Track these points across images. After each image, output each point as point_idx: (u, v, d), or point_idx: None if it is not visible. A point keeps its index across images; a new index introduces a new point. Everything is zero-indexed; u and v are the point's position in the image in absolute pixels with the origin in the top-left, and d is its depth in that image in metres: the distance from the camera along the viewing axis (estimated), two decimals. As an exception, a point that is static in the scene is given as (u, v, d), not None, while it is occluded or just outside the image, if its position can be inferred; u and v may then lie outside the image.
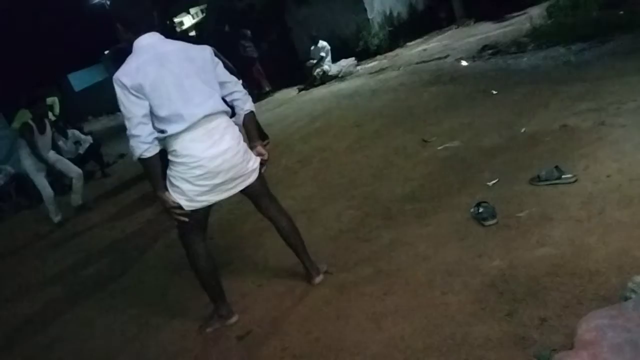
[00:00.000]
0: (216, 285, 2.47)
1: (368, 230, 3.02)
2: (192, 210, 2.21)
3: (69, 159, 7.38)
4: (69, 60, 24.33)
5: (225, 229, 3.83)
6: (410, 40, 10.87)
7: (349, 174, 4.14)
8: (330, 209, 3.52)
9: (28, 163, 5.36)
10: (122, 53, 2.18)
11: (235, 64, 4.88)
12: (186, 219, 2.22)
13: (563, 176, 2.71)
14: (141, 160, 2.07)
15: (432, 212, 2.95)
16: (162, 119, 2.07)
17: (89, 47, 22.60)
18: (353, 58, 10.34)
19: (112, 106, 19.93)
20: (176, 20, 16.07)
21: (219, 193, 2.22)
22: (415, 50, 9.72)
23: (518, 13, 9.00)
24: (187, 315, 2.78)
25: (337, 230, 3.16)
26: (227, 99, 2.31)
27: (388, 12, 11.26)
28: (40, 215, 6.70)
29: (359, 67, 10.08)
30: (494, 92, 4.89)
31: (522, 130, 3.66)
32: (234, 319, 2.51)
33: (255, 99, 6.13)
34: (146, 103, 2.03)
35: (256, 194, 2.41)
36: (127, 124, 2.04)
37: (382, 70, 8.87)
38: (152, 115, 2.08)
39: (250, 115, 2.38)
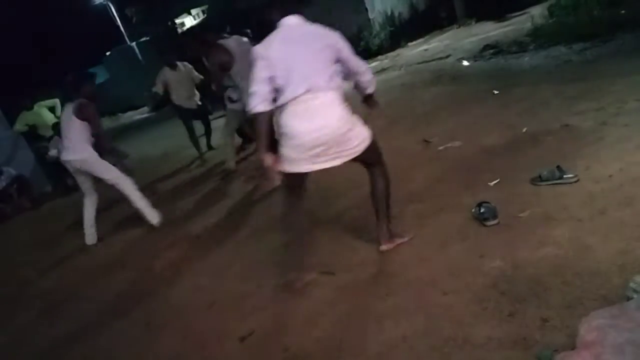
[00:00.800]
0: (299, 248, 2.67)
1: (369, 231, 3.01)
2: (290, 173, 2.46)
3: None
4: (70, 61, 24.41)
5: (225, 230, 3.84)
6: (412, 40, 10.87)
7: (350, 174, 4.13)
8: (332, 210, 3.52)
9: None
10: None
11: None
12: (278, 181, 2.50)
13: (564, 176, 2.70)
14: (254, 114, 2.35)
15: (434, 212, 2.95)
16: (276, 90, 2.34)
17: (90, 48, 22.65)
18: (354, 58, 10.32)
19: (113, 107, 20.01)
20: (177, 21, 16.06)
21: (317, 164, 2.41)
22: (417, 50, 9.71)
23: (519, 12, 8.99)
24: (189, 317, 2.78)
25: (338, 231, 3.16)
26: (353, 81, 2.58)
27: (389, 12, 11.26)
28: (43, 217, 6.73)
29: (360, 68, 10.05)
30: (495, 91, 4.89)
31: (524, 130, 3.66)
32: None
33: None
34: (270, 70, 2.31)
35: (361, 162, 2.60)
36: (251, 84, 2.34)
37: (383, 70, 8.87)
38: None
39: (368, 95, 2.71)
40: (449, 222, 2.76)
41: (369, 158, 2.56)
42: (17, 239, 6.11)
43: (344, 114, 2.38)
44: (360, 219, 3.21)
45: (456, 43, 8.70)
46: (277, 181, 2.49)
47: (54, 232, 5.60)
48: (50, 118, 7.64)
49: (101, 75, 23.58)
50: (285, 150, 2.40)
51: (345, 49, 2.43)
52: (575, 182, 2.67)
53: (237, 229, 3.80)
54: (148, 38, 16.81)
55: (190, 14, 17.63)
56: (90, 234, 4.56)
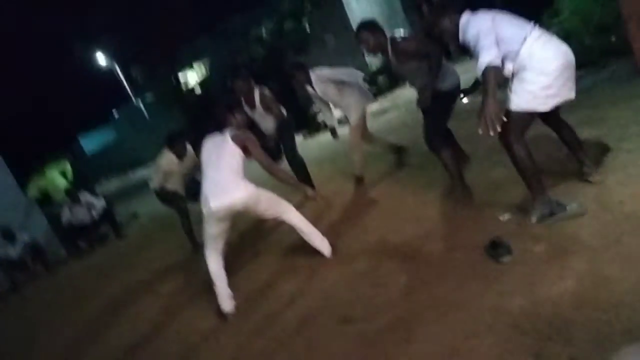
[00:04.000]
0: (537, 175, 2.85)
1: (383, 274, 2.99)
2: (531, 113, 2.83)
3: (83, 224, 7.48)
4: (78, 122, 25.10)
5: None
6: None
7: (360, 217, 4.14)
8: (344, 253, 3.50)
9: None
10: None
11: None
12: (504, 119, 2.74)
13: (567, 207, 2.67)
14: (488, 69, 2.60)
15: (447, 251, 2.93)
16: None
17: (97, 108, 23.38)
18: (354, 102, 10.54)
19: (123, 167, 20.37)
20: (181, 79, 16.52)
21: (564, 93, 2.78)
22: (415, 89, 9.90)
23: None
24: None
25: (351, 275, 3.13)
26: None
27: (385, 55, 11.57)
28: (56, 282, 6.72)
29: (361, 110, 10.24)
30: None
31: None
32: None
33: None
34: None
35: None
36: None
37: (383, 111, 9.03)
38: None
39: None
40: (463, 261, 2.74)
41: None
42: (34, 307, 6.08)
43: None
44: (373, 262, 3.19)
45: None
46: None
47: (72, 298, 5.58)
48: (61, 182, 7.81)
49: (110, 135, 24.24)
50: (531, 87, 2.71)
51: None
52: (583, 214, 2.64)
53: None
54: (152, 94, 17.33)
55: (192, 67, 18.15)
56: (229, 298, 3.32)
